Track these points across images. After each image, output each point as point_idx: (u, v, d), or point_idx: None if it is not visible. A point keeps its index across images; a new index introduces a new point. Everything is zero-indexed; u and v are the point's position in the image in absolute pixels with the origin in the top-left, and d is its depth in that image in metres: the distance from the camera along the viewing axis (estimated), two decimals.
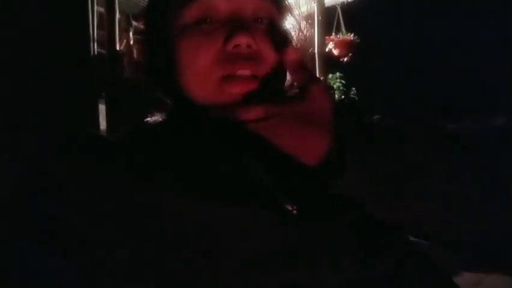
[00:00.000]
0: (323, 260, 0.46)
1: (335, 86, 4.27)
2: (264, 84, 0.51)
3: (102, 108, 2.24)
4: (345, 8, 4.48)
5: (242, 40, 0.49)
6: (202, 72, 0.50)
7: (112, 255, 0.42)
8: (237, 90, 0.49)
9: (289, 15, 0.60)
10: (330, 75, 4.33)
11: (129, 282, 0.42)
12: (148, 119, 0.57)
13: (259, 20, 0.52)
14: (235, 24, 0.50)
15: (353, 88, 4.39)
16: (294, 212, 0.47)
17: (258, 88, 0.50)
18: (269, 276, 0.44)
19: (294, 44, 0.61)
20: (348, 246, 0.48)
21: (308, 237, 0.47)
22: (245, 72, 0.50)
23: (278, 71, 0.53)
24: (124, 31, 3.03)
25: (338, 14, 4.45)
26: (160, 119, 0.57)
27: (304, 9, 4.71)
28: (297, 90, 0.51)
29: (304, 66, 0.50)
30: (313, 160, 0.45)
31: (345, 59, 4.21)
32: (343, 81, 4.34)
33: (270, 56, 0.51)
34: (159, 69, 0.56)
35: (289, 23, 0.60)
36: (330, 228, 0.48)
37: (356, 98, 4.38)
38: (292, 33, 0.61)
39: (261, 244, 0.45)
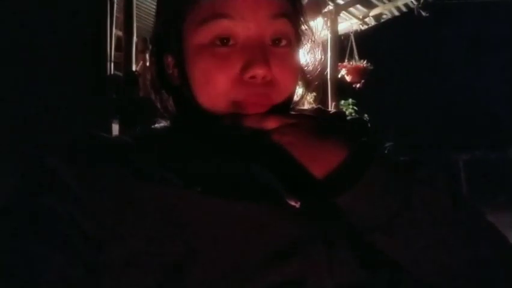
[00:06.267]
0: (321, 258, 0.46)
1: (347, 112, 4.28)
2: (276, 107, 0.51)
3: (115, 127, 2.27)
4: (358, 35, 4.54)
5: (259, 72, 0.49)
6: (216, 94, 0.50)
7: (112, 251, 0.42)
8: (250, 112, 0.50)
9: (307, 40, 0.60)
10: (342, 101, 4.34)
11: (127, 277, 0.42)
12: (156, 125, 0.58)
13: (277, 42, 0.52)
14: (254, 52, 0.49)
15: (365, 114, 4.39)
16: (297, 206, 0.47)
17: (270, 110, 0.50)
18: (268, 270, 0.44)
19: (309, 67, 0.61)
20: (347, 247, 0.48)
21: (308, 234, 0.47)
22: (258, 100, 0.50)
23: (290, 93, 0.54)
24: (141, 53, 3.10)
25: (351, 41, 4.50)
26: (167, 125, 0.58)
27: (318, 35, 4.77)
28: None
29: None
30: (321, 172, 0.46)
31: (358, 86, 4.23)
32: (355, 108, 4.35)
33: (284, 80, 0.52)
34: (170, 83, 0.56)
35: (305, 48, 0.60)
36: (331, 227, 0.48)
37: (369, 125, 4.36)
38: (309, 58, 0.62)
39: (261, 238, 0.45)
